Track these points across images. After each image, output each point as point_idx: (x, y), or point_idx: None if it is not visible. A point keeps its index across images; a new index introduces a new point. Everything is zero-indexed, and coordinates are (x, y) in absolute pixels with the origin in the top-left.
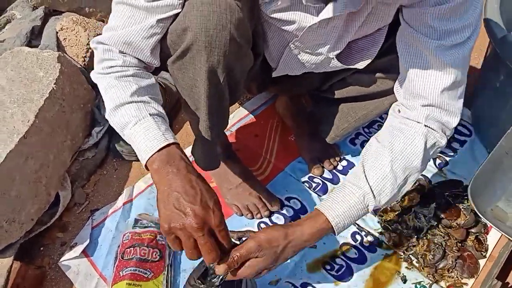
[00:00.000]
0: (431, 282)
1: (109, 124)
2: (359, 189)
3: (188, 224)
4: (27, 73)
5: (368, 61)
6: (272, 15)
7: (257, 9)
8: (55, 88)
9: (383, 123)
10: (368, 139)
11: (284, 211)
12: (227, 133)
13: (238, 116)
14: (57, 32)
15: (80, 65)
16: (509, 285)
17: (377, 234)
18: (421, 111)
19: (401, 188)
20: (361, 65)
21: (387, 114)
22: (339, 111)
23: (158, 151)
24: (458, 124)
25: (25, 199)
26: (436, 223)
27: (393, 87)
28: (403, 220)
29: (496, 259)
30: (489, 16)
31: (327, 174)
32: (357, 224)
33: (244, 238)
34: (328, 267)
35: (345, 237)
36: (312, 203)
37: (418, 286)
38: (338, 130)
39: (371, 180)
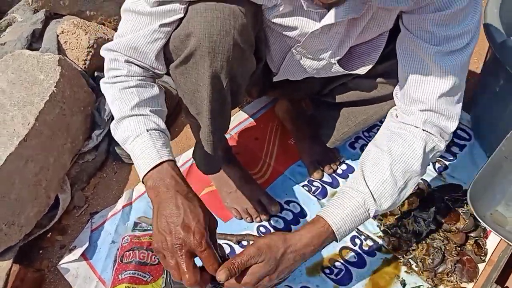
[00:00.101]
0: (430, 286)
1: (109, 127)
2: (359, 194)
3: (168, 245)
4: (27, 76)
5: (369, 67)
6: (274, 20)
7: (261, 14)
8: (55, 91)
9: None
10: (368, 143)
11: (283, 215)
12: (227, 136)
13: (238, 119)
14: (57, 35)
15: (81, 68)
16: None
17: (376, 238)
18: (419, 116)
19: (402, 192)
20: (362, 70)
21: None
22: (340, 115)
23: (152, 169)
24: (458, 128)
25: (25, 202)
26: (435, 227)
27: (393, 92)
28: (402, 224)
29: (495, 263)
30: (488, 21)
31: (326, 178)
32: (357, 228)
33: (243, 242)
34: (327, 271)
35: (344, 241)
36: (311, 207)
37: None
38: (338, 134)
39: (371, 184)
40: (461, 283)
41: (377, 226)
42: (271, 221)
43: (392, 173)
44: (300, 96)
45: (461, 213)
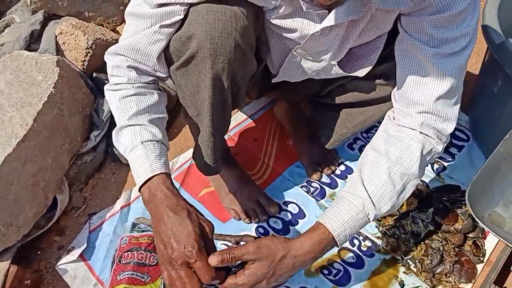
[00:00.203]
0: (428, 287)
1: (108, 128)
2: (358, 199)
3: (166, 259)
4: (26, 77)
5: (368, 69)
6: (274, 22)
7: (262, 16)
8: (53, 92)
9: None
10: (366, 144)
11: (282, 216)
12: (226, 137)
13: (237, 120)
14: (56, 36)
15: (79, 69)
16: None
17: (375, 239)
18: (416, 118)
19: (400, 195)
20: (361, 72)
21: None
22: (338, 116)
23: (145, 183)
24: (456, 129)
25: (23, 203)
26: (433, 228)
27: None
28: (401, 225)
29: (494, 264)
30: (487, 23)
31: (325, 179)
32: None
33: (242, 243)
34: (326, 271)
35: None
36: (310, 208)
37: None
38: (336, 135)
39: (370, 188)
40: (459, 283)
41: (376, 226)
42: (270, 222)
43: (390, 177)
44: (299, 97)
45: (460, 214)
